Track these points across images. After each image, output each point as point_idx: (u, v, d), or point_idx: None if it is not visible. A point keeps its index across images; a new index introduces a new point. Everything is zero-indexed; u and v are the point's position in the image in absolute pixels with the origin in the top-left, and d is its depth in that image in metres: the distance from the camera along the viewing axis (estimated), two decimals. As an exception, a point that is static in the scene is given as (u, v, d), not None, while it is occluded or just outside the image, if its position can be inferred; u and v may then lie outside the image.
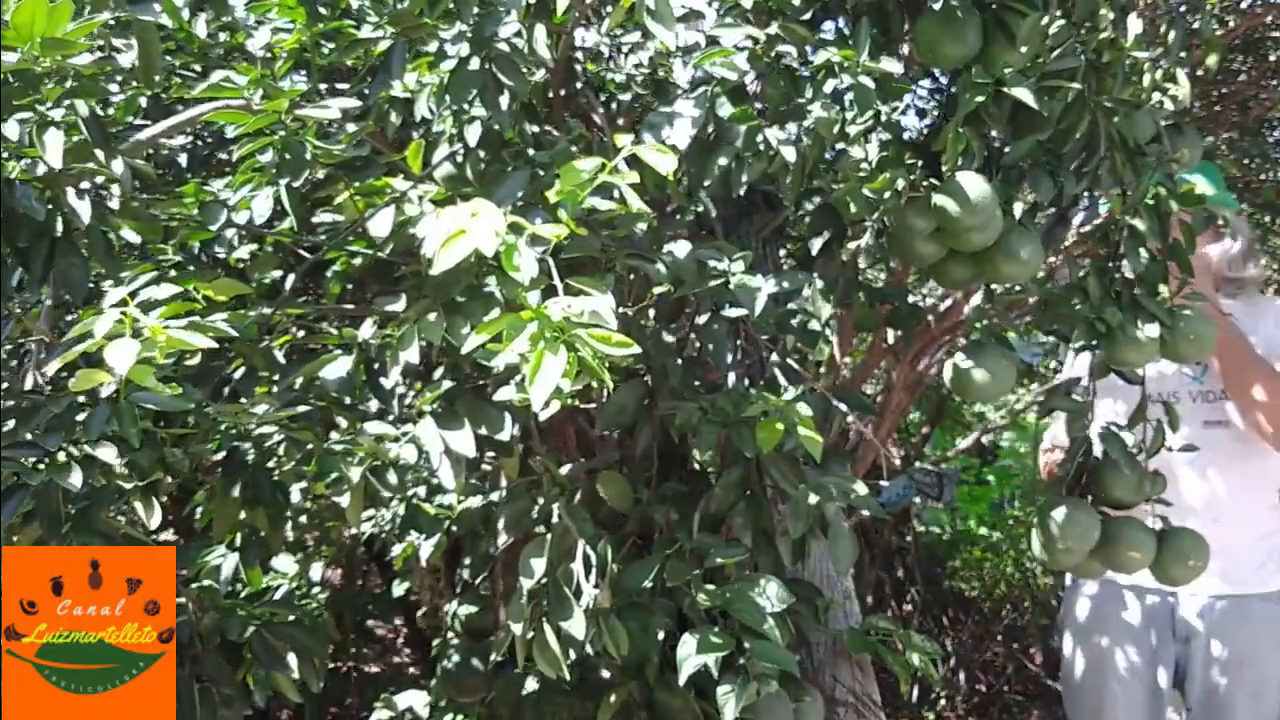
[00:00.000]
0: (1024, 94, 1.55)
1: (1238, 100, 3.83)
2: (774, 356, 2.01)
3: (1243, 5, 3.43)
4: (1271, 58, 3.73)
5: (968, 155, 1.63)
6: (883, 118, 1.73)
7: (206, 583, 1.93)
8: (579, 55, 2.35)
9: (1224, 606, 2.37)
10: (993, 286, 1.85)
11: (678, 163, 1.93)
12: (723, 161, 1.83)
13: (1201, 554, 1.69)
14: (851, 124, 1.66)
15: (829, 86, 1.67)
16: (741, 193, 2.15)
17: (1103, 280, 1.66)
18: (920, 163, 1.75)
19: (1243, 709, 2.33)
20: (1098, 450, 1.76)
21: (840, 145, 1.79)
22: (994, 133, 1.73)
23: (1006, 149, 1.72)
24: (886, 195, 1.70)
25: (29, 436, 1.48)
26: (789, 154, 1.74)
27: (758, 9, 1.85)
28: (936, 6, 1.64)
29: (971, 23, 1.61)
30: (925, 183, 1.70)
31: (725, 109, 1.84)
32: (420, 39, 1.84)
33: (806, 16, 1.84)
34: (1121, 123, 1.62)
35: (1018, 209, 1.71)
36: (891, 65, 1.65)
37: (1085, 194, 1.72)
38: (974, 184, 1.61)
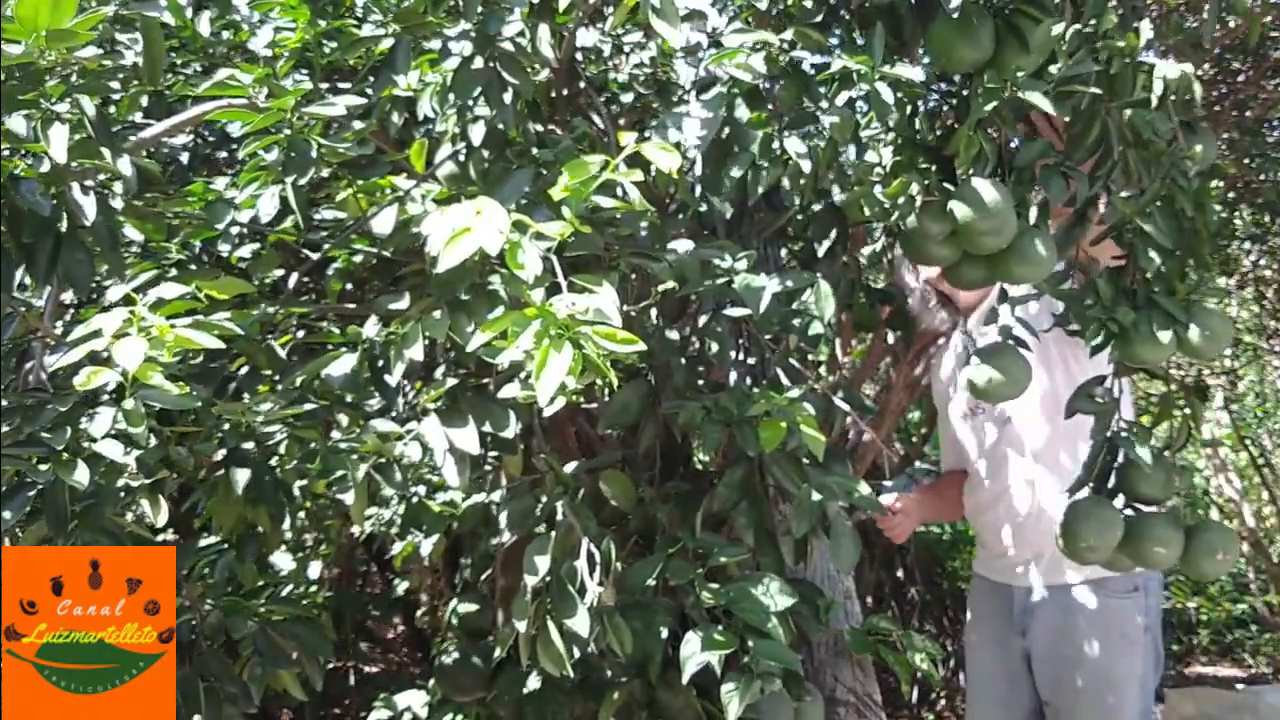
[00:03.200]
0: (1039, 99, 1.56)
1: (1237, 100, 3.83)
2: (776, 355, 2.01)
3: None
4: (1273, 56, 3.74)
5: (981, 159, 1.64)
6: (894, 122, 1.73)
7: (209, 579, 1.93)
8: (581, 55, 2.35)
9: (1045, 599, 2.29)
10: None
11: (691, 165, 1.94)
12: (737, 170, 1.83)
13: (1231, 547, 1.68)
14: (866, 128, 1.67)
15: (844, 97, 1.67)
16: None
17: (1115, 280, 1.66)
18: (934, 167, 1.75)
19: (1090, 713, 2.22)
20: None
21: (853, 148, 1.79)
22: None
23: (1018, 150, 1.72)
24: (901, 200, 1.70)
25: (33, 434, 1.48)
26: (806, 165, 1.74)
27: (769, 12, 1.86)
28: (952, 8, 1.63)
29: (985, 27, 1.61)
30: (939, 187, 1.70)
31: (742, 111, 1.84)
32: (424, 36, 1.84)
33: (818, 19, 1.84)
34: (1137, 119, 1.61)
35: (1031, 211, 1.71)
36: (908, 71, 1.66)
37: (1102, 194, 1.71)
38: (989, 189, 1.62)
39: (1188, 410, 1.68)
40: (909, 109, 1.75)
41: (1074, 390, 1.78)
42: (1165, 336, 1.59)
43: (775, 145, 1.79)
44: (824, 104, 1.72)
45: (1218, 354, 2.05)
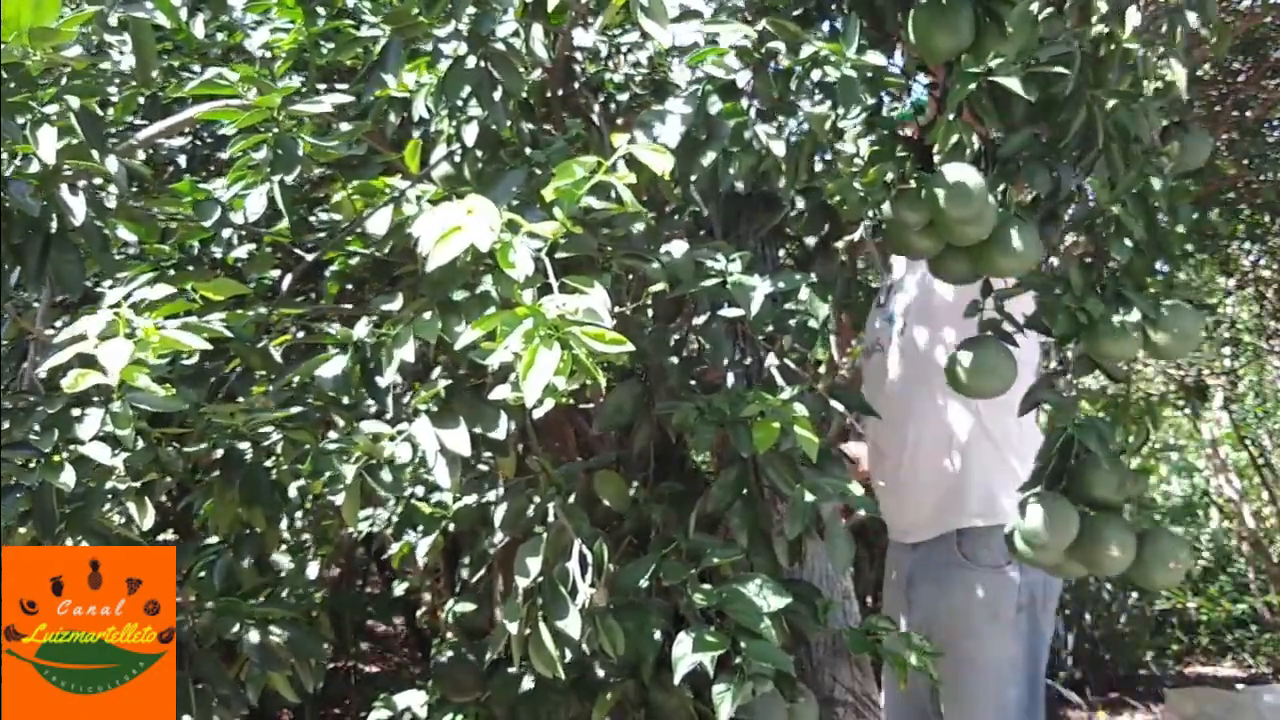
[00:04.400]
0: (1012, 82, 1.52)
1: (1237, 100, 3.83)
2: (771, 356, 2.01)
3: (1242, 5, 3.43)
4: (1273, 56, 3.73)
5: (960, 147, 1.62)
6: (873, 111, 1.72)
7: (203, 579, 1.93)
8: (577, 55, 2.35)
9: (916, 559, 2.27)
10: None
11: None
12: (709, 157, 1.82)
13: (1183, 556, 1.63)
14: (842, 119, 1.65)
15: (816, 75, 1.65)
16: (741, 191, 2.15)
17: (1086, 270, 1.63)
18: (912, 155, 1.74)
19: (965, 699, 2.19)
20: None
21: (834, 141, 1.78)
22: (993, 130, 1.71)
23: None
24: (877, 188, 1.68)
25: (24, 436, 1.48)
26: (778, 149, 1.73)
27: (750, 6, 1.85)
28: None
29: (964, 15, 1.59)
30: (916, 175, 1.68)
31: (716, 106, 1.84)
32: (417, 38, 1.84)
33: (798, 13, 1.83)
34: (1122, 115, 1.59)
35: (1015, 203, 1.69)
36: (877, 59, 1.65)
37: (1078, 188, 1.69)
38: (964, 174, 1.59)
39: (1146, 414, 1.64)
40: (890, 101, 1.74)
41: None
42: (1134, 331, 1.55)
43: (747, 134, 1.78)
44: (795, 88, 1.70)
45: (1186, 353, 2.01)
